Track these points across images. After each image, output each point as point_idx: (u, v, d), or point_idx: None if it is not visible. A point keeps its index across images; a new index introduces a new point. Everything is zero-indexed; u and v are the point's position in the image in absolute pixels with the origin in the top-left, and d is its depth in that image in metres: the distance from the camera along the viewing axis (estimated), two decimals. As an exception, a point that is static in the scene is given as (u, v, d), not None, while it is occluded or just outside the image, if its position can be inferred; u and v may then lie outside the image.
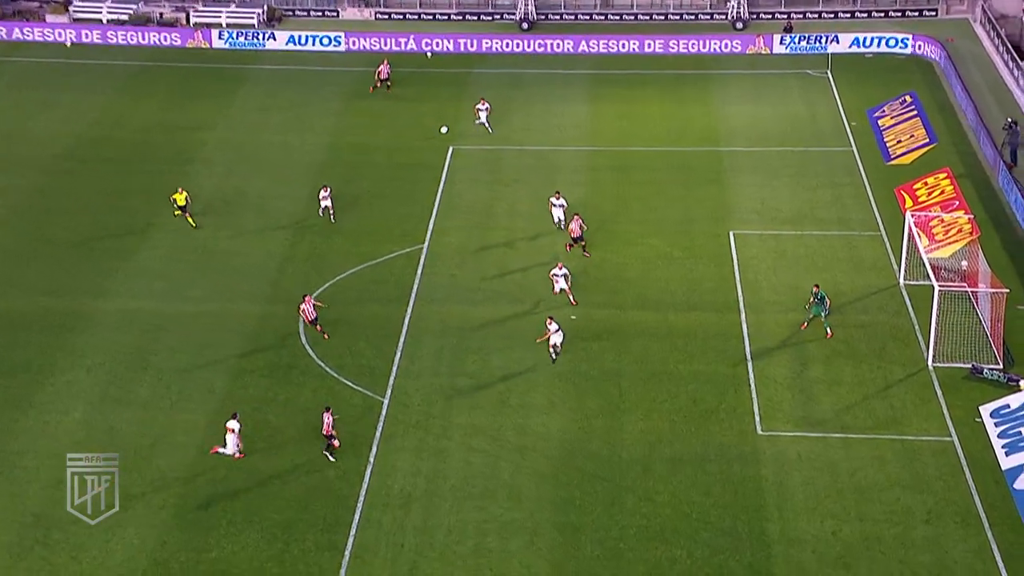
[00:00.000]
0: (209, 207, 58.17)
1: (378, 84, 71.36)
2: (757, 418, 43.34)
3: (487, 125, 64.98)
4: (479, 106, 65.04)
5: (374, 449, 41.70)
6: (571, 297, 49.36)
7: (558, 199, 55.13)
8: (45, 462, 41.12)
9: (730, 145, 64.83)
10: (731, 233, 55.60)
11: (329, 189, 56.20)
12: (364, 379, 45.30)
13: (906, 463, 41.15)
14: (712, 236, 55.44)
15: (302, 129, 66.97)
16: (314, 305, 47.35)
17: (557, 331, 45.87)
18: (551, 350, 45.99)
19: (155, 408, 43.82)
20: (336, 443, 41.00)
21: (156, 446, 41.85)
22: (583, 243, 53.31)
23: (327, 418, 40.90)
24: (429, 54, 77.65)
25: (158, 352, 47.07)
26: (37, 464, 41.03)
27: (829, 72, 73.81)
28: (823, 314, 47.01)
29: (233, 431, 40.60)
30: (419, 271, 52.62)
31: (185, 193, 55.66)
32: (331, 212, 56.22)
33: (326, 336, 47.19)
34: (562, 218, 54.85)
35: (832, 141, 65.11)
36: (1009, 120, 62.60)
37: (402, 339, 47.82)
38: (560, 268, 49.53)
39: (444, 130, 45.09)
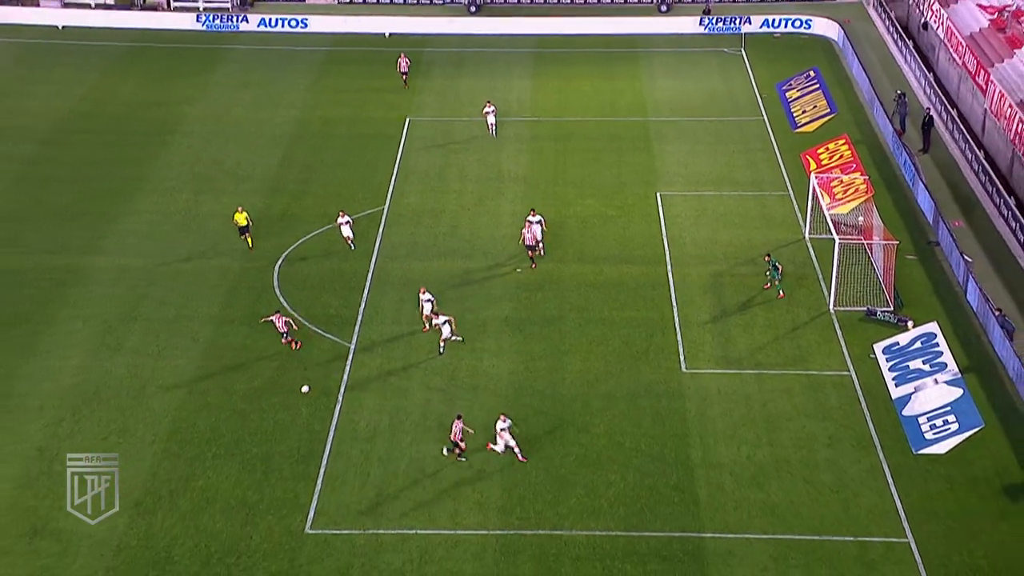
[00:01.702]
0: (191, 174, 57.69)
1: (403, 77, 67.76)
2: (682, 358, 43.74)
3: (493, 128, 61.02)
4: (486, 109, 61.19)
5: (342, 389, 41.73)
6: (430, 324, 43.90)
7: (534, 216, 49.30)
8: (48, 402, 40.96)
9: (656, 116, 64.92)
10: (658, 194, 55.82)
11: (348, 217, 50.44)
12: (332, 327, 45.25)
13: (810, 395, 41.74)
14: (641, 197, 55.62)
15: (273, 104, 66.34)
16: (284, 322, 43.38)
17: (445, 323, 42.92)
18: (440, 344, 43.33)
19: (145, 354, 43.62)
20: (459, 448, 37.94)
21: (147, 388, 41.70)
22: (533, 253, 49.21)
23: (456, 426, 38.03)
24: (387, 34, 77.05)
25: (147, 305, 46.78)
26: (40, 404, 40.83)
27: (743, 50, 73.97)
28: (777, 278, 47.24)
29: (502, 432, 37.85)
30: (380, 230, 52.47)
31: (245, 213, 50.38)
32: (351, 240, 50.17)
33: (296, 345, 43.68)
34: (539, 237, 49.01)
35: (746, 112, 65.38)
36: (898, 92, 63.11)
37: (366, 291, 47.76)
38: (423, 292, 44.81)
39: (305, 389, 40.89)
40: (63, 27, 77.28)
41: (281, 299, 46.79)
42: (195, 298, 47.14)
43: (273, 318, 43.47)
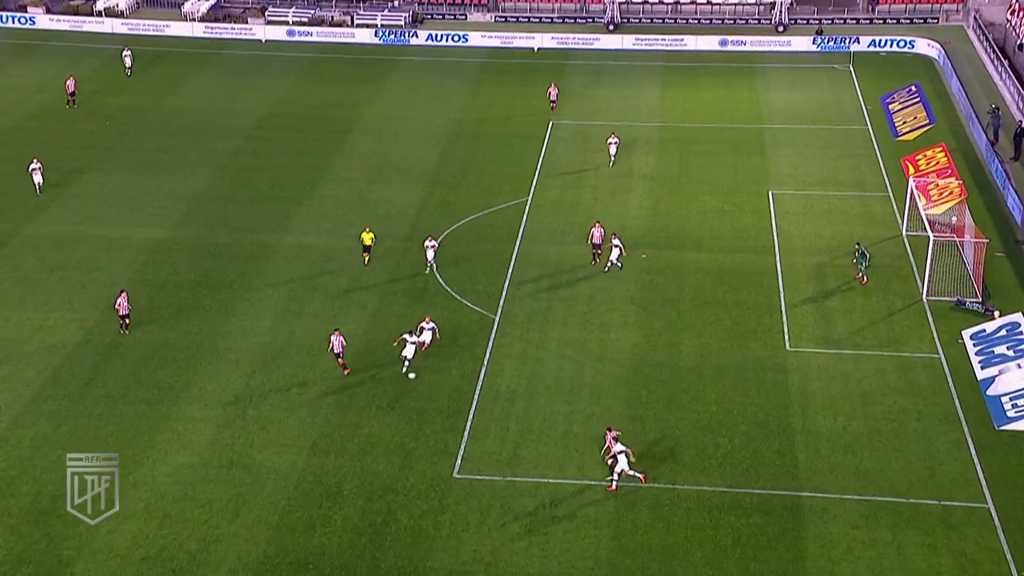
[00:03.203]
0: (365, 166, 58.44)
1: (552, 104, 64.28)
2: (786, 337, 42.76)
3: (614, 157, 56.94)
4: (610, 140, 57.22)
5: (487, 355, 41.79)
6: (421, 347, 40.62)
7: (616, 239, 46.82)
8: (244, 356, 41.81)
9: (771, 123, 63.55)
10: (770, 192, 54.64)
11: (435, 242, 47.50)
12: (480, 301, 45.36)
13: (902, 374, 40.42)
14: (755, 195, 54.52)
15: (436, 107, 66.77)
16: (341, 345, 39.84)
17: (412, 342, 39.83)
18: (403, 360, 39.88)
19: (322, 319, 44.22)
20: (612, 461, 34.30)
21: (323, 348, 42.24)
22: (599, 251, 47.35)
23: (610, 435, 35.08)
24: (535, 49, 76.89)
25: (324, 276, 47.48)
26: (238, 358, 41.72)
27: (851, 66, 71.92)
28: (864, 265, 45.86)
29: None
30: (524, 218, 52.43)
31: (372, 234, 47.70)
32: (433, 265, 46.83)
33: (346, 371, 40.31)
34: (613, 259, 46.68)
35: (852, 121, 63.57)
36: (993, 106, 60.87)
37: (510, 271, 47.77)
38: (428, 322, 41.26)
39: (412, 376, 39.63)
40: (265, 40, 79.02)
41: (437, 276, 47.11)
42: (365, 273, 47.66)
43: (332, 336, 40.24)
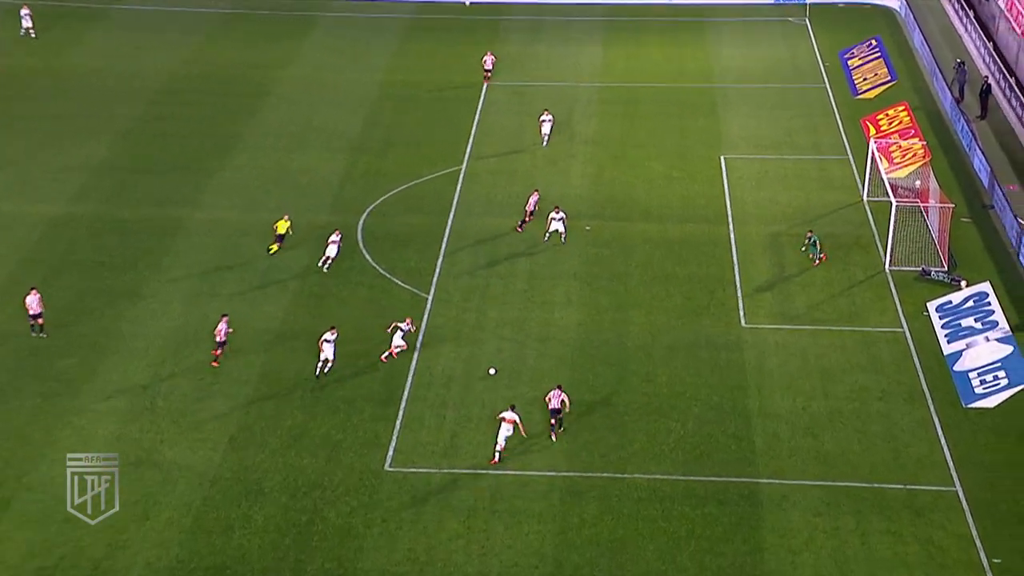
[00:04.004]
0: (283, 132, 57.71)
1: (486, 74, 62.79)
2: (741, 313, 43.08)
3: (546, 138, 55.45)
4: (543, 117, 55.72)
5: (420, 337, 41.56)
6: (395, 351, 39.94)
7: (557, 213, 46.95)
8: (153, 343, 41.18)
9: (722, 82, 63.83)
10: (722, 157, 54.93)
11: (340, 235, 46.17)
12: (412, 279, 45.10)
13: (864, 350, 40.94)
14: (706, 160, 54.78)
15: (361, 67, 66.13)
16: (225, 332, 39.59)
17: (330, 340, 39.06)
18: (321, 365, 39.21)
19: (239, 300, 43.65)
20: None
21: (240, 333, 41.37)
22: (529, 220, 48.04)
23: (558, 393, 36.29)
24: (467, 3, 76.37)
25: (241, 255, 46.85)
26: (146, 345, 41.08)
27: (807, 20, 72.43)
28: (816, 251, 45.92)
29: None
30: (458, 188, 52.18)
31: (289, 223, 46.78)
32: (331, 260, 45.32)
33: (215, 364, 39.75)
34: (561, 230, 46.81)
35: (808, 79, 64.08)
36: (958, 61, 61.56)
37: (443, 246, 47.54)
38: (408, 324, 40.31)
39: (492, 371, 39.50)
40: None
41: (364, 253, 46.73)
42: (285, 249, 47.00)
43: (222, 323, 39.65)
